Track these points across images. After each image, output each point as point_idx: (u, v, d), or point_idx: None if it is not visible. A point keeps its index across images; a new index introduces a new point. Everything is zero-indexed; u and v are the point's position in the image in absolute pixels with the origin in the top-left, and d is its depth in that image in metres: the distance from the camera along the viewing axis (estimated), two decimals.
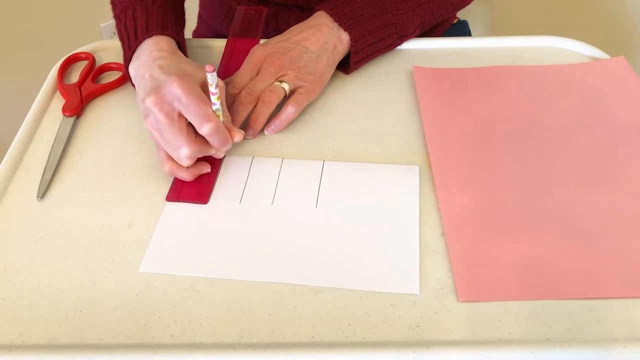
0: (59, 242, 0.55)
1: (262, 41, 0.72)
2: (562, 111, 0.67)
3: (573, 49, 0.76)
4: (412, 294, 0.51)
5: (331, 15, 0.69)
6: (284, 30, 0.70)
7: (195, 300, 0.51)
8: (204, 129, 0.56)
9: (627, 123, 0.65)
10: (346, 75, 0.73)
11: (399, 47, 0.77)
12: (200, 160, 0.60)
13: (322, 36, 0.68)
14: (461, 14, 0.94)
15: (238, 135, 0.60)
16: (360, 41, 0.69)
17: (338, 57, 0.70)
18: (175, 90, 0.56)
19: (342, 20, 0.68)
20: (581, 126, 0.65)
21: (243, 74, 0.66)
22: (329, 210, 0.58)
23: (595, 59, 0.75)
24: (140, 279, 0.52)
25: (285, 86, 0.65)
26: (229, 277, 0.52)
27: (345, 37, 0.69)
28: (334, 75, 0.72)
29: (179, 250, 0.54)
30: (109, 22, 1.51)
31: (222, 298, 0.51)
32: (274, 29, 0.84)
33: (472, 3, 0.81)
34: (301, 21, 0.70)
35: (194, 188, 0.59)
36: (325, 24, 0.68)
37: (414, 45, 0.77)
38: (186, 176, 0.59)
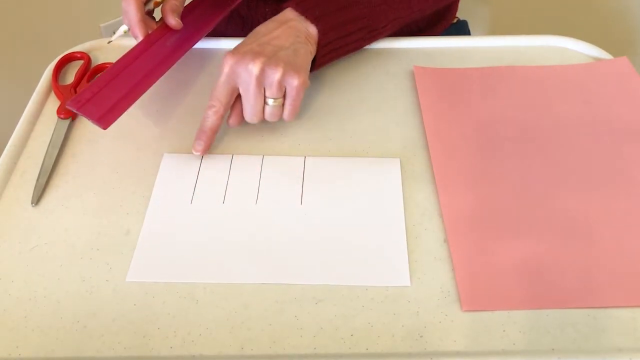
0: (54, 250, 0.54)
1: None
2: (564, 112, 0.66)
3: (575, 49, 0.75)
4: (415, 302, 0.50)
5: (296, 10, 0.65)
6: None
7: (195, 310, 0.50)
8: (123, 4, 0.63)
9: (631, 124, 0.64)
10: (346, 76, 0.72)
11: (398, 47, 0.76)
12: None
13: (291, 31, 0.64)
14: (461, 14, 0.93)
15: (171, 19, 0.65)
16: (328, 34, 0.66)
17: (313, 49, 0.66)
18: None
19: (309, 12, 0.65)
20: (584, 128, 0.64)
21: (221, 90, 0.61)
22: (314, 207, 0.57)
23: (597, 59, 0.74)
24: (138, 287, 0.51)
25: (273, 102, 0.62)
26: (219, 281, 0.52)
27: (313, 30, 0.65)
28: (334, 76, 0.71)
29: (165, 256, 0.53)
30: (109, 22, 1.50)
31: (222, 307, 0.50)
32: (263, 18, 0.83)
33: (472, 3, 0.80)
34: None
35: (101, 105, 0.58)
36: (292, 19, 0.65)
37: (414, 44, 0.76)
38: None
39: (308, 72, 0.64)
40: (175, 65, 0.66)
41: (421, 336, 0.48)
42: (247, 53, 0.60)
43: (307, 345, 0.48)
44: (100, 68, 0.73)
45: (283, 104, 0.62)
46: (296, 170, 0.61)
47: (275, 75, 0.59)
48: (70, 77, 0.72)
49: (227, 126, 0.64)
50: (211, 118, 0.61)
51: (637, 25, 1.49)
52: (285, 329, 0.49)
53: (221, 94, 0.61)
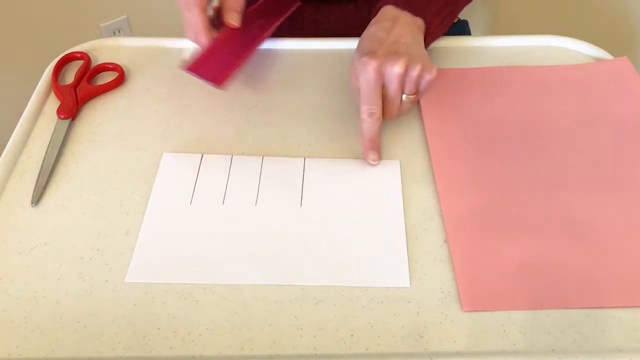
0: (54, 250, 0.54)
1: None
2: (564, 112, 0.66)
3: (575, 49, 0.75)
4: (415, 302, 0.50)
5: (398, 6, 0.66)
6: (321, 23, 0.67)
7: (195, 310, 0.50)
8: (184, 14, 0.64)
9: (631, 124, 0.64)
10: (346, 76, 0.72)
11: None
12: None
13: (407, 27, 0.65)
14: (461, 14, 0.93)
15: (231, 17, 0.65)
16: (432, 23, 0.67)
17: (422, 39, 0.67)
18: None
19: (411, 6, 0.66)
20: (584, 128, 0.64)
21: (374, 94, 0.60)
22: (313, 207, 0.57)
23: (598, 59, 0.74)
24: (138, 288, 0.51)
25: (407, 97, 0.62)
26: (218, 282, 0.52)
27: (420, 22, 0.66)
28: (334, 76, 0.71)
29: (164, 257, 0.53)
30: (109, 22, 1.50)
31: (222, 308, 0.50)
32: (312, 21, 0.83)
33: (472, 3, 0.80)
34: (341, 15, 0.67)
35: (213, 66, 0.62)
36: (400, 16, 0.65)
37: None
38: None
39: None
40: (174, 66, 0.66)
41: (421, 336, 0.48)
42: (387, 54, 0.60)
43: (307, 345, 0.48)
44: (101, 68, 0.73)
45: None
46: (296, 171, 0.61)
47: (415, 72, 0.60)
48: (70, 77, 0.72)
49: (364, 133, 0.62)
50: (375, 125, 0.61)
51: (637, 25, 1.49)
52: (285, 329, 0.49)
53: (376, 98, 0.60)
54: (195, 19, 0.64)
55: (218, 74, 0.62)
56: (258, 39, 0.69)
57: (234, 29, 0.67)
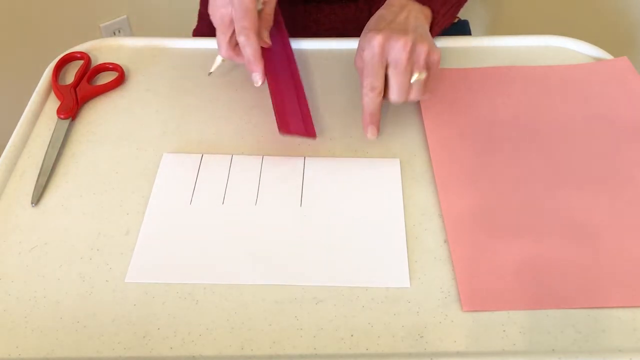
0: (54, 250, 0.54)
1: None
2: (564, 112, 0.66)
3: (575, 49, 0.75)
4: (415, 302, 0.50)
5: None
6: (322, 22, 0.67)
7: (195, 311, 0.50)
8: (240, 39, 0.59)
9: (631, 124, 0.64)
10: (346, 76, 0.72)
11: None
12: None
13: (414, 13, 0.64)
14: (461, 14, 0.93)
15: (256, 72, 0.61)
16: (439, 12, 0.67)
17: (428, 28, 0.66)
18: None
19: None
20: (584, 127, 0.64)
21: (377, 69, 0.59)
22: (313, 207, 0.57)
23: (597, 59, 0.74)
24: (138, 288, 0.51)
25: (418, 76, 0.61)
26: (218, 282, 0.52)
27: (427, 11, 0.66)
28: (334, 76, 0.71)
29: (164, 257, 0.53)
30: (109, 22, 1.50)
31: (222, 308, 0.50)
32: (313, 21, 0.83)
33: (473, 3, 0.80)
34: (342, 15, 0.67)
35: (295, 117, 0.61)
36: (407, 4, 0.65)
37: None
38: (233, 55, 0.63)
39: None
40: (174, 66, 0.66)
41: (421, 336, 0.48)
42: (393, 31, 0.59)
43: (307, 345, 0.48)
44: (101, 68, 0.73)
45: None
46: (296, 171, 0.61)
47: (423, 48, 0.59)
48: (70, 77, 0.72)
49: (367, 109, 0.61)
50: (377, 99, 0.60)
51: (637, 25, 1.49)
52: (285, 329, 0.49)
53: (378, 73, 0.59)
54: (254, 48, 0.60)
55: (306, 125, 0.62)
56: (291, 60, 0.70)
57: (270, 62, 0.65)
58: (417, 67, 0.60)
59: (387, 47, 0.58)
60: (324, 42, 0.76)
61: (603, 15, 1.48)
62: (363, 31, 0.62)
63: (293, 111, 0.62)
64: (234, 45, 0.62)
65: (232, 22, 0.60)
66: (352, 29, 0.77)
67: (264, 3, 0.62)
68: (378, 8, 0.67)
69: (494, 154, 0.62)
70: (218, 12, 0.61)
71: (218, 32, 0.62)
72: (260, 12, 0.62)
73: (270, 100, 0.64)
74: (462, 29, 0.93)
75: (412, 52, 0.58)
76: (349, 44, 0.75)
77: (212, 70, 0.66)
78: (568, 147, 0.62)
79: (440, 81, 0.70)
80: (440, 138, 0.64)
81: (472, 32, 0.96)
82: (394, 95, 0.60)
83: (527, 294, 0.50)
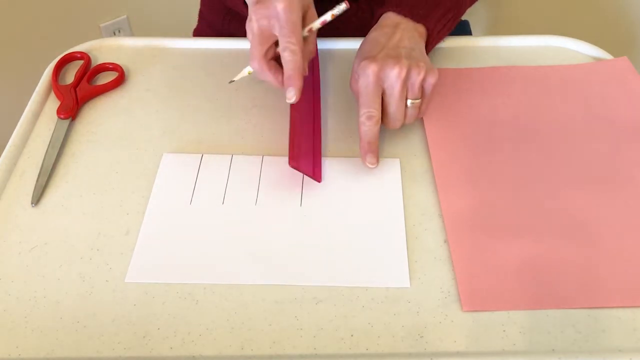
0: (54, 250, 0.54)
1: None
2: (564, 112, 0.66)
3: (575, 49, 0.75)
4: (415, 302, 0.50)
5: (400, 13, 0.66)
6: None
7: (195, 311, 0.50)
8: (285, 54, 0.57)
9: (631, 124, 0.64)
10: (346, 76, 0.71)
11: None
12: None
13: (407, 33, 0.64)
14: None
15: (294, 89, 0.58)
16: (434, 29, 0.67)
17: (424, 45, 0.67)
18: (278, 9, 0.56)
19: (413, 13, 0.66)
20: (584, 127, 0.64)
21: (373, 97, 0.60)
22: (313, 207, 0.57)
23: (597, 59, 0.74)
24: (138, 288, 0.51)
25: (412, 102, 0.62)
26: (218, 282, 0.52)
27: (421, 29, 0.66)
28: (333, 76, 0.71)
29: (164, 257, 0.53)
30: (109, 22, 1.50)
31: (222, 308, 0.50)
32: None
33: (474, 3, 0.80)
34: (342, 14, 0.66)
35: (306, 157, 0.60)
36: (400, 22, 0.65)
37: None
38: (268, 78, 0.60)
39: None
40: (174, 66, 0.66)
41: (421, 336, 0.48)
42: (387, 57, 0.60)
43: (307, 345, 0.48)
44: (101, 68, 0.73)
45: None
46: (296, 171, 0.61)
47: (419, 75, 0.59)
48: (70, 77, 0.72)
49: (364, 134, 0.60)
50: (375, 128, 0.60)
51: (637, 25, 1.49)
52: (285, 329, 0.49)
53: (375, 102, 0.59)
54: (298, 65, 0.58)
55: (314, 168, 0.61)
56: (317, 97, 0.69)
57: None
58: (411, 94, 0.60)
59: (381, 76, 0.59)
60: (324, 42, 0.76)
61: (603, 15, 1.48)
62: (357, 55, 0.63)
63: (306, 151, 0.61)
64: (268, 59, 0.59)
65: (271, 36, 0.58)
66: (353, 29, 0.77)
67: (309, 31, 0.60)
68: (379, 7, 0.67)
69: (494, 154, 0.62)
70: (257, 24, 0.58)
71: (254, 44, 0.58)
72: (304, 39, 0.60)
73: (270, 100, 0.64)
74: (462, 29, 0.93)
75: (406, 79, 0.59)
76: (350, 44, 0.75)
77: (235, 79, 0.64)
78: (568, 147, 0.62)
79: (440, 81, 0.70)
80: (440, 138, 0.64)
81: (472, 32, 0.96)
82: (390, 123, 0.62)
83: (527, 294, 0.50)
